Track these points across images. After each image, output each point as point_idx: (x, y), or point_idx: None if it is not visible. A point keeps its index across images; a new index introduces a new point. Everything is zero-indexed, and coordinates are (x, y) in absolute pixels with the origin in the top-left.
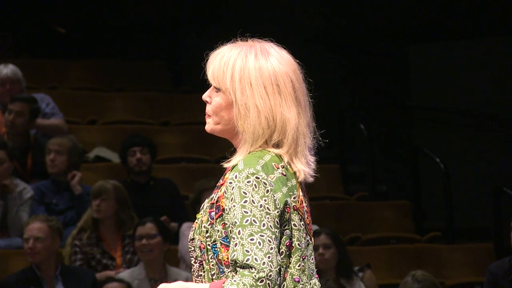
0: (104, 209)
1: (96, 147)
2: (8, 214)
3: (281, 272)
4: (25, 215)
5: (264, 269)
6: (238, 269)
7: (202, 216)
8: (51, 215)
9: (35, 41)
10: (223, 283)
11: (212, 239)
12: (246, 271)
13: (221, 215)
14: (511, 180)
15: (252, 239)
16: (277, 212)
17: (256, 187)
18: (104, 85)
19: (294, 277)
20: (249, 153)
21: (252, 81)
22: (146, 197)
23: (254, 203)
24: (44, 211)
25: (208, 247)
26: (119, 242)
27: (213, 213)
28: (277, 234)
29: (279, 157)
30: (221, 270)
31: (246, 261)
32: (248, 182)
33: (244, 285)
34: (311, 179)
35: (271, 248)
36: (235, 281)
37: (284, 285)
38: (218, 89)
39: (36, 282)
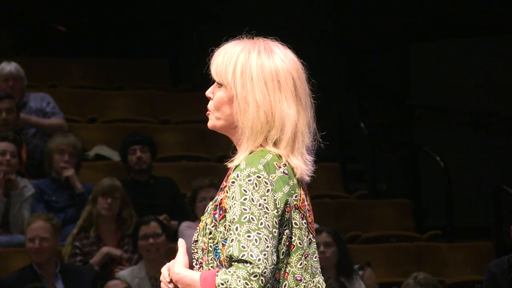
0: (115, 208)
1: (96, 145)
2: (10, 211)
3: (275, 273)
4: (26, 213)
5: (260, 266)
6: (233, 263)
7: (206, 218)
8: (51, 213)
9: (35, 39)
10: (217, 272)
11: (215, 241)
12: (241, 265)
13: (224, 216)
14: (511, 179)
15: (249, 236)
16: (277, 212)
17: (256, 186)
18: (104, 83)
19: (295, 275)
20: (250, 152)
21: (253, 76)
22: (146, 196)
23: (253, 201)
24: (44, 208)
25: (210, 248)
26: (118, 242)
27: (216, 215)
28: (274, 233)
29: (279, 156)
30: None
31: (242, 256)
32: (249, 180)
33: (238, 277)
34: (307, 178)
35: (267, 247)
36: (229, 271)
37: (285, 284)
38: (220, 85)
39: (36, 280)
